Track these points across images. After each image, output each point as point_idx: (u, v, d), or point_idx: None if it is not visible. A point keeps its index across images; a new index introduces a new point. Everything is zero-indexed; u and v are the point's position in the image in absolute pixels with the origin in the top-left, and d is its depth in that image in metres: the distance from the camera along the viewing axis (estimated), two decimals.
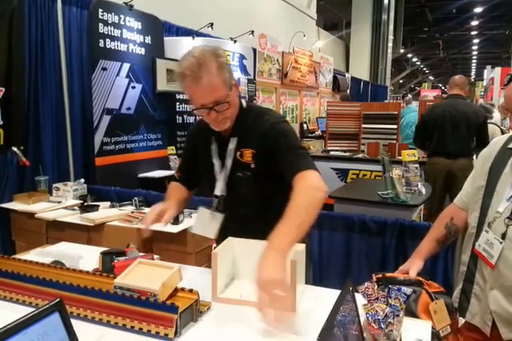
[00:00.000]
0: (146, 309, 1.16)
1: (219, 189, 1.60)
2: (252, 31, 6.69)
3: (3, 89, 3.20)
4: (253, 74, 6.42)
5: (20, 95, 3.32)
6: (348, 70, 14.68)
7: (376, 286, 1.21)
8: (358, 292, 1.15)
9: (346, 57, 16.06)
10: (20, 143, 3.34)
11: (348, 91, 11.69)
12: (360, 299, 1.13)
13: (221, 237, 1.56)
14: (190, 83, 1.40)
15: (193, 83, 1.39)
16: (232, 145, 1.56)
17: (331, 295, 1.33)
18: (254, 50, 6.56)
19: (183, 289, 1.26)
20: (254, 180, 1.54)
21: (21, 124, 3.37)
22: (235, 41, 5.92)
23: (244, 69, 6.04)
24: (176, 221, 2.83)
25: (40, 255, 1.71)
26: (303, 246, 1.41)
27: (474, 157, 4.19)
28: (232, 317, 1.27)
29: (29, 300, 1.31)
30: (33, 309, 1.25)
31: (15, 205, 3.26)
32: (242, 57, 6.01)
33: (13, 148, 3.29)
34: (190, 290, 1.25)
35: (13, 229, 3.32)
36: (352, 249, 2.73)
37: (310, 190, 1.32)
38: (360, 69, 15.14)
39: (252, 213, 1.59)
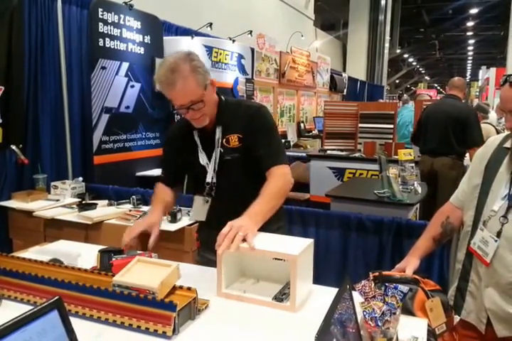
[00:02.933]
0: (145, 307, 1.15)
1: (209, 176, 1.70)
2: (251, 31, 6.68)
3: (3, 88, 3.18)
4: (251, 74, 6.41)
5: (19, 94, 3.31)
6: (345, 70, 14.69)
7: (373, 284, 1.21)
8: (355, 290, 1.15)
9: (343, 57, 16.07)
10: (19, 141, 3.33)
11: (345, 91, 11.70)
12: (357, 297, 1.13)
13: (208, 222, 1.75)
14: (166, 88, 1.54)
15: (168, 88, 1.53)
16: (218, 134, 1.67)
17: (328, 293, 1.33)
18: (253, 50, 6.55)
19: (181, 287, 1.26)
20: (243, 160, 1.66)
21: (20, 123, 3.36)
22: (234, 41, 5.91)
23: (242, 68, 6.03)
24: (173, 219, 2.82)
25: (38, 253, 1.70)
26: (311, 240, 1.38)
27: (467, 156, 4.22)
28: (230, 315, 1.26)
29: (27, 298, 1.31)
30: (32, 307, 1.25)
31: (13, 203, 3.25)
32: (240, 56, 6.01)
33: (11, 146, 3.28)
34: (189, 288, 1.24)
35: (10, 228, 3.30)
36: (349, 248, 2.73)
37: (281, 182, 1.57)
38: (357, 69, 15.15)
39: (238, 197, 1.59)
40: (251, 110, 1.69)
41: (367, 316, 1.08)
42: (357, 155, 5.50)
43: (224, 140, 1.67)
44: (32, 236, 3.11)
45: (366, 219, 2.67)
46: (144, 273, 1.26)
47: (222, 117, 1.68)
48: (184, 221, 2.85)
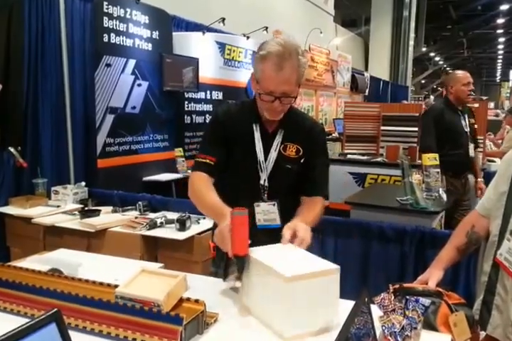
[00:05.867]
0: (149, 320, 1.15)
1: (264, 179, 1.70)
2: (266, 27, 6.70)
3: (1, 86, 3.22)
4: None
5: (18, 92, 3.35)
6: (367, 69, 14.66)
7: (393, 297, 1.19)
8: (373, 303, 1.14)
9: (365, 55, 16.06)
10: (17, 143, 3.36)
11: (367, 91, 11.65)
12: (376, 311, 1.11)
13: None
14: (270, 68, 1.54)
15: (273, 69, 1.53)
16: (278, 137, 1.70)
17: (346, 305, 1.32)
18: None
19: (188, 299, 1.26)
20: (297, 174, 1.72)
21: (19, 123, 3.40)
22: (248, 37, 5.93)
23: None
24: (182, 227, 2.82)
25: (36, 262, 1.70)
26: (337, 268, 1.26)
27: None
28: (240, 330, 1.25)
29: (24, 310, 1.31)
30: (29, 320, 1.25)
31: (10, 209, 3.28)
32: (254, 54, 6.02)
33: (9, 148, 3.31)
34: (196, 301, 1.24)
35: (8, 235, 3.33)
36: (369, 258, 2.73)
37: (319, 214, 1.68)
38: (380, 68, 15.12)
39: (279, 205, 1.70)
40: (315, 127, 1.77)
41: (386, 331, 1.07)
42: (379, 159, 5.47)
43: (282, 146, 1.70)
44: (31, 244, 3.13)
45: (388, 228, 2.67)
46: (148, 284, 1.26)
47: (287, 122, 1.70)
48: (193, 229, 2.85)
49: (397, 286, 1.34)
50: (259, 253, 1.32)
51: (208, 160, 1.66)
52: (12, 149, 3.33)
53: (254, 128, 1.69)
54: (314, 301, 1.21)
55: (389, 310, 1.14)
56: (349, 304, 1.24)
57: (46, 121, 3.59)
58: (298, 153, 1.71)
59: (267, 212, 1.67)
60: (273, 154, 1.69)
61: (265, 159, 1.69)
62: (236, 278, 1.32)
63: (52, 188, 3.51)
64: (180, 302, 1.24)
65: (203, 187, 1.62)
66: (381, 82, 13.41)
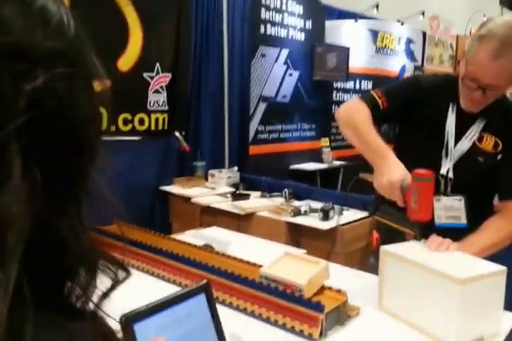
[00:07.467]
0: (291, 304, 1.14)
1: (447, 168, 1.46)
2: (423, 12, 6.31)
3: (170, 75, 3.50)
4: (421, 61, 6.07)
5: (184, 81, 3.61)
6: None
7: None
8: None
9: None
10: (182, 128, 3.63)
11: None
12: None
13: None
14: (486, 52, 1.28)
15: (489, 55, 1.27)
16: (477, 125, 1.46)
17: (506, 316, 1.16)
18: (424, 34, 6.20)
19: (330, 288, 1.22)
20: (489, 170, 1.45)
21: (183, 110, 3.66)
22: (403, 23, 5.65)
23: (411, 54, 5.75)
24: (325, 217, 2.79)
25: (192, 237, 1.83)
26: (504, 269, 1.13)
27: None
28: (385, 326, 1.19)
29: (179, 279, 1.41)
30: (178, 287, 1.33)
31: (174, 188, 3.55)
32: (409, 41, 5.73)
33: (175, 132, 3.60)
34: (338, 291, 1.21)
35: (171, 211, 3.64)
36: None
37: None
38: None
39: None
40: None
41: None
42: None
43: (477, 136, 1.46)
44: (189, 220, 3.37)
45: None
46: (291, 267, 1.26)
47: (491, 109, 1.44)
48: (336, 220, 2.76)
49: None
50: (409, 253, 1.21)
51: (380, 101, 1.47)
52: (177, 134, 3.60)
53: (451, 108, 1.47)
54: (481, 306, 1.09)
55: None
56: (509, 315, 1.09)
57: (207, 108, 3.80)
58: (496, 147, 1.44)
59: (449, 208, 1.42)
60: (465, 142, 1.45)
61: (454, 146, 1.46)
62: (414, 238, 1.30)
63: (209, 171, 3.70)
64: (322, 289, 1.22)
65: (364, 119, 1.43)
66: None
